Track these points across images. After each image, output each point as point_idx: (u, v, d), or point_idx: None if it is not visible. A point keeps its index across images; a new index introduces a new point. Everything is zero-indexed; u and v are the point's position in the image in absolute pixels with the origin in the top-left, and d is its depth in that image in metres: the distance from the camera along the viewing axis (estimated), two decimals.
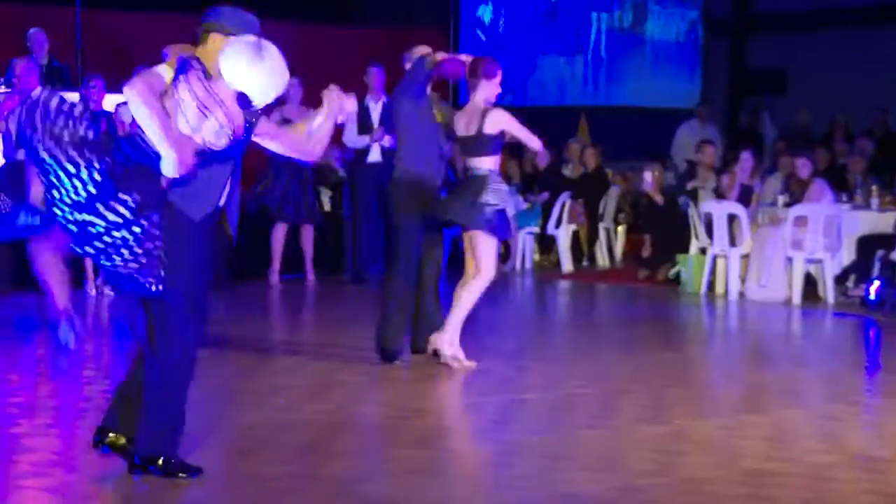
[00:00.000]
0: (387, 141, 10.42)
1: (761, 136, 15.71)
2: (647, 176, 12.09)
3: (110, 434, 4.71)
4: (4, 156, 9.44)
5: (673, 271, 11.44)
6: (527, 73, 16.60)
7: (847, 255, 10.49)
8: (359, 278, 11.09)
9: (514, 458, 5.17)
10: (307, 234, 11.17)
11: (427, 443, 5.41)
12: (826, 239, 10.22)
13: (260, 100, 4.47)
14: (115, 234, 4.30)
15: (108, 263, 4.34)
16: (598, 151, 13.55)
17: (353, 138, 10.93)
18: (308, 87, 13.48)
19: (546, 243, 13.30)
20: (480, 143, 6.92)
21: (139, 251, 4.33)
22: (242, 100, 4.45)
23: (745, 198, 10.91)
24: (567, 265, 12.70)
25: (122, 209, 4.28)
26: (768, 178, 12.12)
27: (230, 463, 5.07)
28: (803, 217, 10.21)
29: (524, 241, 12.82)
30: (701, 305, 10.43)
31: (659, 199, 11.99)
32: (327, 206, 12.16)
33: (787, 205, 10.65)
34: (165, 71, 4.54)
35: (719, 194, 11.19)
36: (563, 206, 12.73)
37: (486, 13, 16.67)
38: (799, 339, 9.22)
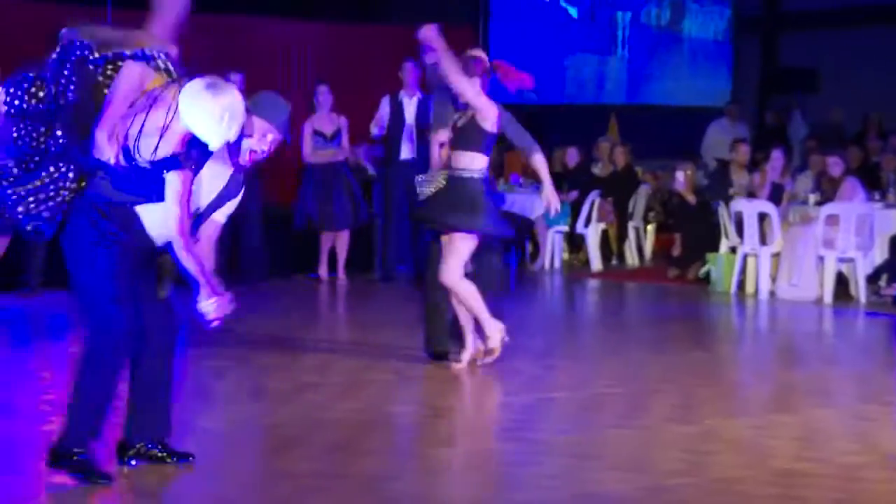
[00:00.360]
0: None
1: (788, 135, 15.63)
2: (679, 175, 12.04)
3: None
4: None
5: (703, 270, 11.39)
6: (559, 71, 16.56)
7: (879, 254, 10.41)
8: (387, 277, 11.11)
9: (542, 457, 5.16)
10: (343, 237, 11.19)
11: (456, 441, 5.41)
12: (858, 238, 10.14)
13: (212, 142, 4.37)
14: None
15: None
16: (628, 150, 13.50)
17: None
18: (338, 86, 13.56)
19: (575, 242, 13.27)
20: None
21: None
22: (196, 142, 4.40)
23: (775, 196, 10.84)
24: (596, 264, 12.67)
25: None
26: (799, 176, 12.05)
27: (260, 460, 5.10)
28: (835, 216, 10.14)
29: (553, 240, 12.80)
30: (731, 305, 10.38)
31: (691, 198, 11.93)
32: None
33: (819, 203, 10.58)
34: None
35: (750, 193, 11.13)
36: (592, 204, 12.70)
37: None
38: (830, 339, 9.16)
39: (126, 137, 4.36)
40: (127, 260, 4.48)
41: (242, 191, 4.82)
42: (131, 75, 4.42)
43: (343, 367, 6.99)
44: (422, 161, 11.27)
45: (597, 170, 13.49)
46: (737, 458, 5.20)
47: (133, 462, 4.77)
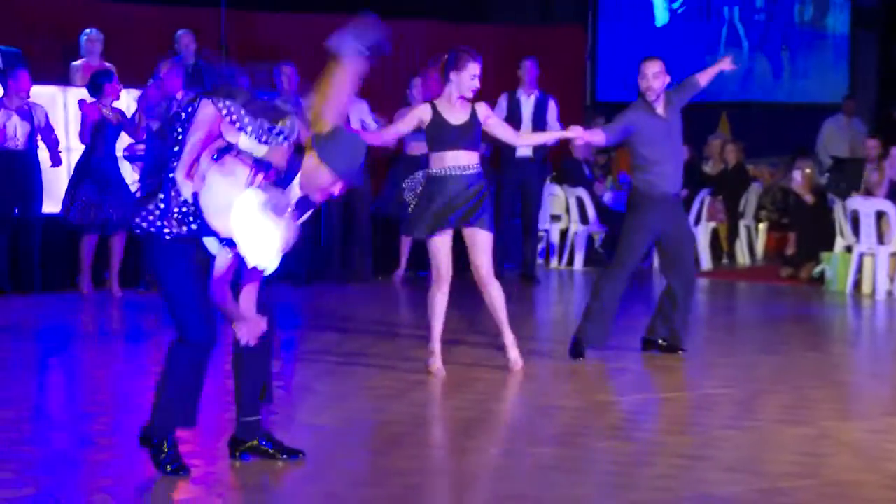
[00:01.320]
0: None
1: None
2: (797, 174, 11.81)
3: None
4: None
5: (817, 270, 11.16)
6: (669, 69, 16.36)
7: None
8: (529, 275, 11.10)
9: (652, 457, 5.10)
10: None
11: (563, 440, 5.38)
12: None
13: (249, 260, 4.37)
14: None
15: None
16: (740, 147, 13.30)
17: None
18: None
19: None
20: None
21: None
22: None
23: (894, 194, 10.57)
24: (706, 263, 12.50)
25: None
26: None
27: (369, 458, 5.12)
28: None
29: None
30: (846, 305, 10.15)
31: (808, 197, 11.68)
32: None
33: None
34: None
35: (867, 190, 10.87)
36: (702, 202, 12.54)
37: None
38: None
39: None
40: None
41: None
42: (207, 120, 4.45)
43: (450, 364, 7.00)
44: (539, 159, 11.26)
45: (707, 168, 13.32)
46: (853, 460, 5.07)
47: (245, 457, 4.84)
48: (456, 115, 6.71)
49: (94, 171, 9.47)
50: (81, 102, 9.64)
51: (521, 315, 9.16)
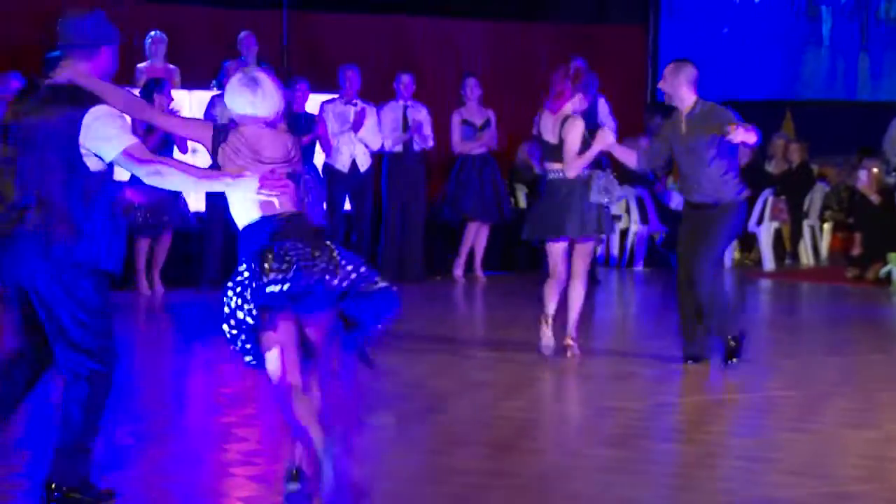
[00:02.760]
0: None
1: None
2: (863, 173, 11.65)
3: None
4: None
5: (884, 270, 11.01)
6: (734, 67, 16.20)
7: None
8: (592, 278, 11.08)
9: (712, 459, 5.06)
10: (483, 233, 11.18)
11: (622, 442, 5.35)
12: None
13: None
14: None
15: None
16: (804, 147, 13.15)
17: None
18: (503, 84, 13.58)
19: (747, 241, 12.98)
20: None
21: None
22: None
23: None
24: (769, 263, 12.37)
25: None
26: None
27: (428, 459, 5.13)
28: None
29: None
30: None
31: (874, 197, 11.51)
32: (522, 203, 12.16)
33: None
34: None
35: None
36: (765, 202, 12.41)
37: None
38: None
39: None
40: None
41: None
42: None
43: (509, 365, 6.99)
44: (591, 161, 11.20)
45: (770, 167, 13.18)
46: None
47: None
48: None
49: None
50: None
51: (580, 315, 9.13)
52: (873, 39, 16.56)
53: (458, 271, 11.13)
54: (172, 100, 9.79)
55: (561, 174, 7.02)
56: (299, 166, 4.34)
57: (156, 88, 9.70)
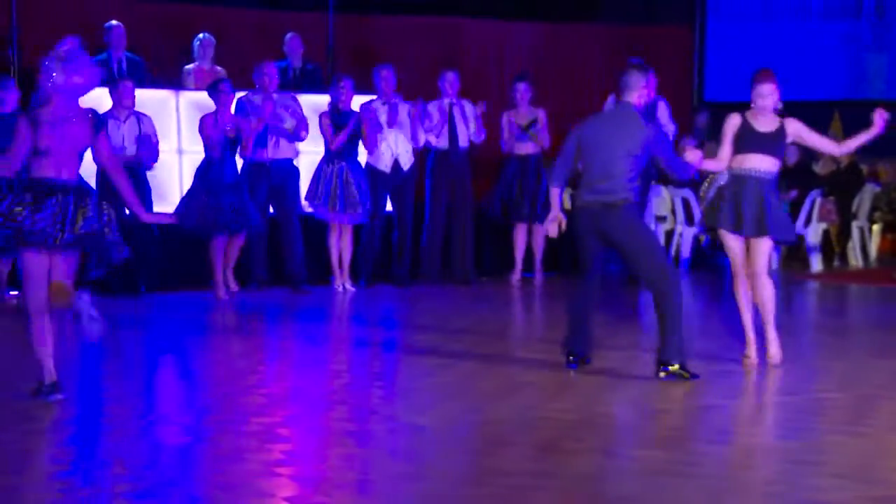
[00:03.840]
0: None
1: None
2: None
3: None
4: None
5: None
6: (783, 69, 16.05)
7: None
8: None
9: (759, 461, 5.02)
10: (538, 233, 11.14)
11: (667, 443, 5.32)
12: None
13: None
14: None
15: None
16: None
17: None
18: (551, 84, 13.55)
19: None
20: None
21: None
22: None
23: None
24: (817, 265, 12.26)
25: None
26: None
27: (472, 459, 5.13)
28: None
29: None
30: None
31: None
32: (567, 204, 12.13)
33: None
34: None
35: None
36: (813, 203, 12.30)
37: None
38: None
39: None
40: None
41: None
42: None
43: (553, 367, 6.98)
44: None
45: (818, 168, 13.07)
46: None
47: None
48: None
49: (212, 176, 9.67)
50: (202, 120, 9.77)
51: (625, 317, 9.10)
52: (863, 37, 16.39)
53: (517, 276, 11.11)
54: (234, 95, 9.84)
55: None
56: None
57: (217, 90, 9.76)
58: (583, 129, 6.92)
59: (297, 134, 10.24)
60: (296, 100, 10.44)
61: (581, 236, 6.81)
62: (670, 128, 10.66)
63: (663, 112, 10.81)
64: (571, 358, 6.93)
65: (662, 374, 6.62)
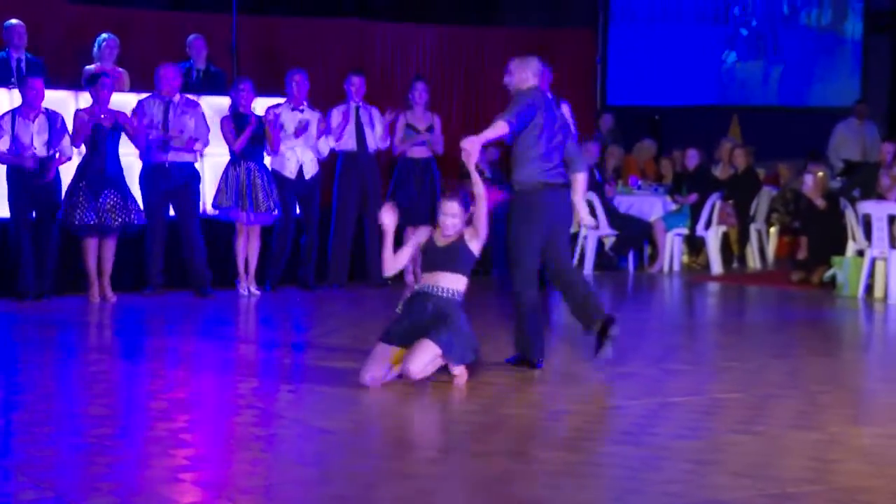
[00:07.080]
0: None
1: None
2: (808, 178, 11.79)
3: None
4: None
5: (828, 274, 11.14)
6: (680, 73, 16.35)
7: None
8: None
9: (660, 462, 5.10)
10: (422, 234, 11.13)
11: (573, 445, 5.38)
12: None
13: None
14: None
15: None
16: (750, 151, 13.29)
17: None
18: (458, 88, 13.59)
19: (695, 245, 13.10)
20: None
21: None
22: None
23: None
24: (717, 267, 12.49)
25: None
26: None
27: (378, 463, 5.13)
28: None
29: (672, 243, 12.66)
30: (858, 310, 10.13)
31: (819, 201, 11.65)
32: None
33: None
34: None
35: (878, 195, 10.85)
36: (712, 207, 12.53)
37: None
38: None
39: None
40: None
41: None
42: None
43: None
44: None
45: (717, 172, 13.31)
46: (863, 467, 5.06)
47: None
48: None
49: (91, 174, 9.55)
50: (75, 113, 9.67)
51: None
52: (812, 47, 16.81)
53: (409, 277, 11.08)
54: (112, 92, 9.77)
55: None
56: None
57: (95, 83, 9.67)
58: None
59: (190, 147, 10.09)
60: (197, 105, 10.30)
61: None
62: (572, 128, 10.76)
63: (565, 111, 10.91)
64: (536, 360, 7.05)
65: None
